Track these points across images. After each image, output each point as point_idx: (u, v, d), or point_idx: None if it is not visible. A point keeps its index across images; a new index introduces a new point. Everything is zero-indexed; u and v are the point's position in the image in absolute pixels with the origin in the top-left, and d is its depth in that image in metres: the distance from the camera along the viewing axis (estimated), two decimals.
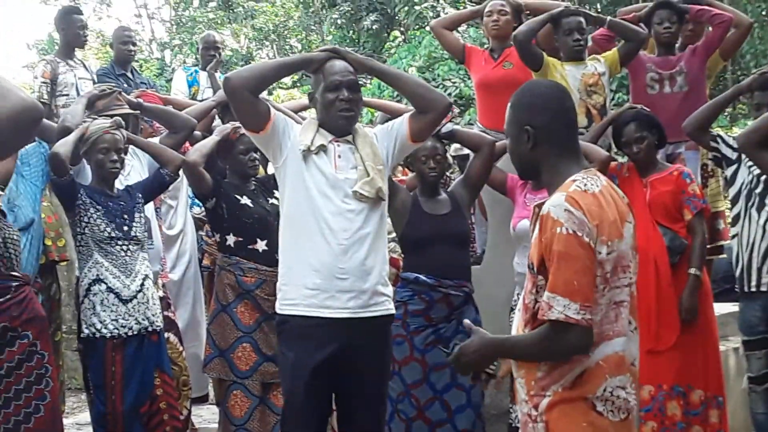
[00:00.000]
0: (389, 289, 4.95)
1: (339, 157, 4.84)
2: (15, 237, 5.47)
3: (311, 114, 5.27)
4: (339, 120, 4.86)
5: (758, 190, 5.92)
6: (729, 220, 6.77)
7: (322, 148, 4.82)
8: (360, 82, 5.10)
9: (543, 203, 3.40)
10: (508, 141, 3.63)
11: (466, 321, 3.64)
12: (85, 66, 9.20)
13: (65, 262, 7.03)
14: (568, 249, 3.19)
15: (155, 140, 6.45)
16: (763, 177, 5.83)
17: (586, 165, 3.51)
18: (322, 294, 4.74)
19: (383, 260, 4.88)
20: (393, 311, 5.00)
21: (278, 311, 4.93)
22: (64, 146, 5.61)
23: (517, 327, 3.52)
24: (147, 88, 8.54)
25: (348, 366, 4.81)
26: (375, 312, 4.82)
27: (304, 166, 4.82)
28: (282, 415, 5.16)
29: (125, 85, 8.68)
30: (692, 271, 6.09)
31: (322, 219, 4.74)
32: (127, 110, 6.31)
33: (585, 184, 3.32)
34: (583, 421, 3.29)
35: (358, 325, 4.76)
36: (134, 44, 9.64)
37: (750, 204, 5.96)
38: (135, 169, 6.40)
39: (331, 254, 4.72)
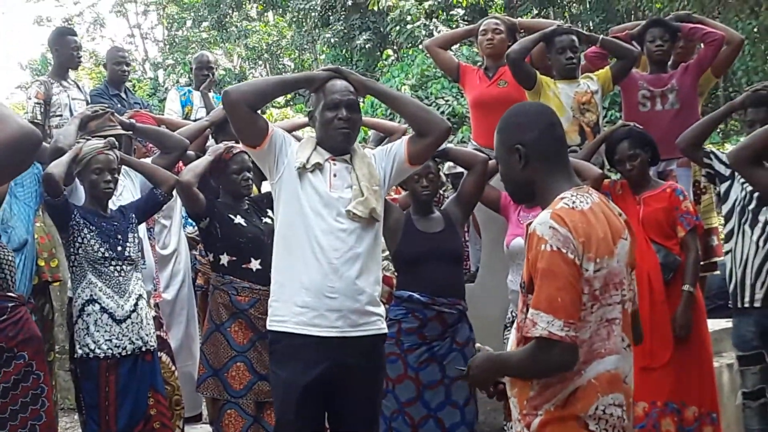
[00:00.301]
0: (381, 309, 4.94)
1: (335, 176, 4.84)
2: (10, 258, 5.47)
3: (308, 132, 5.27)
4: (337, 138, 4.87)
5: (751, 207, 5.93)
6: (722, 236, 6.77)
7: (318, 167, 4.82)
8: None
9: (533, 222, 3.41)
10: (500, 168, 3.64)
11: (478, 345, 3.65)
12: (78, 87, 9.19)
13: (58, 283, 7.02)
14: (551, 266, 3.20)
15: (148, 160, 6.44)
16: (756, 193, 5.83)
17: (578, 182, 3.51)
18: (311, 312, 4.73)
19: (376, 280, 4.87)
20: (385, 331, 4.98)
21: (268, 327, 4.93)
22: (57, 167, 5.61)
23: (511, 346, 3.53)
24: (140, 108, 8.56)
25: (339, 385, 4.80)
26: (365, 331, 4.81)
27: (299, 183, 4.83)
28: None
29: (119, 106, 8.70)
30: (686, 287, 6.10)
31: (313, 237, 4.74)
32: (119, 131, 6.31)
33: (573, 202, 3.33)
34: None
35: (347, 345, 4.75)
36: (128, 64, 9.64)
37: (743, 220, 5.97)
38: (127, 188, 6.40)
39: (321, 273, 4.72)
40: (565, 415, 3.29)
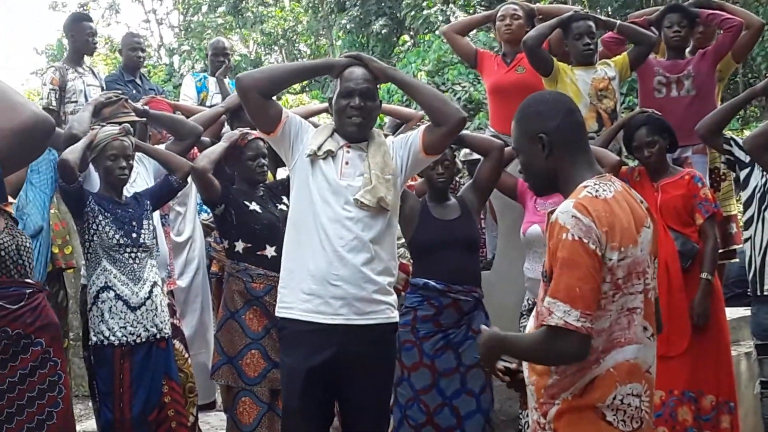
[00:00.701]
0: (392, 298, 4.91)
1: (347, 163, 4.82)
2: (28, 245, 5.46)
3: (325, 119, 5.24)
4: (348, 127, 4.87)
5: None
6: (741, 223, 6.72)
7: (330, 154, 4.82)
8: None
9: (556, 210, 3.39)
10: (521, 158, 3.58)
11: (483, 327, 3.63)
12: (93, 73, 9.19)
13: (72, 270, 7.02)
14: (572, 255, 3.17)
15: (162, 147, 6.43)
16: None
17: (599, 170, 3.48)
18: (316, 299, 4.74)
19: (386, 269, 4.85)
20: (395, 320, 4.96)
21: (276, 314, 4.96)
22: (72, 153, 5.60)
23: (528, 332, 3.51)
24: (155, 95, 8.56)
25: (346, 373, 4.80)
26: (372, 320, 4.79)
27: (311, 170, 4.83)
28: (282, 420, 5.16)
29: (134, 92, 8.71)
30: (704, 275, 6.06)
31: (320, 225, 4.75)
32: (133, 117, 6.31)
33: (597, 190, 3.30)
34: (592, 431, 3.27)
35: (353, 333, 4.75)
36: (143, 50, 9.65)
37: (763, 207, 5.92)
38: (141, 175, 6.39)
39: (326, 260, 4.72)
40: (582, 404, 3.28)
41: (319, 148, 4.81)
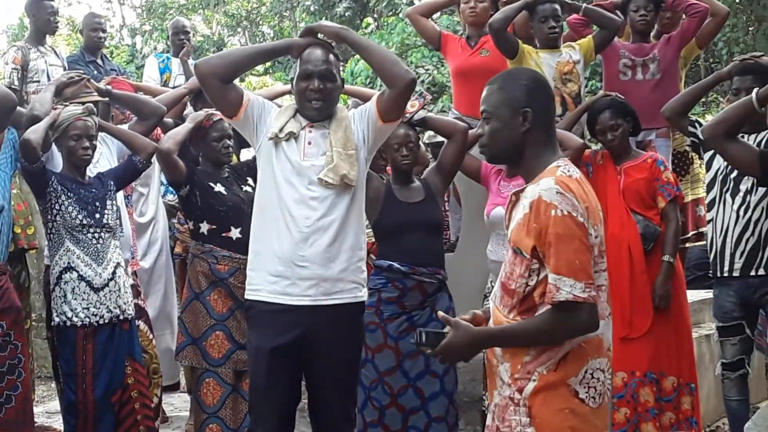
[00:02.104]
0: (360, 276, 4.91)
1: (309, 143, 4.81)
2: None
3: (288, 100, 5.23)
4: (308, 110, 4.86)
5: (733, 175, 5.92)
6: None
7: (293, 135, 4.80)
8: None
9: (521, 191, 3.43)
10: (492, 122, 3.57)
11: (441, 313, 3.62)
12: (55, 52, 9.14)
13: (35, 250, 6.99)
14: (565, 230, 3.24)
15: (125, 127, 6.40)
16: (730, 166, 5.82)
17: (561, 154, 3.55)
18: (283, 281, 4.74)
19: (353, 246, 4.84)
20: (363, 298, 4.96)
21: (245, 296, 4.95)
22: (35, 133, 5.55)
23: (494, 314, 3.52)
24: (117, 75, 8.51)
25: (313, 352, 4.81)
26: (339, 299, 4.80)
27: (274, 152, 4.82)
28: (249, 400, 5.17)
29: (95, 72, 8.66)
30: (666, 258, 6.11)
31: (285, 207, 4.74)
32: (96, 97, 6.26)
33: (569, 170, 3.39)
34: (566, 408, 3.34)
35: (320, 312, 4.75)
36: (104, 31, 9.59)
37: (725, 189, 5.97)
38: (104, 156, 6.35)
39: (292, 242, 4.72)
40: (557, 380, 3.34)
41: (280, 130, 4.80)
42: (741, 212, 5.88)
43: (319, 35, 4.97)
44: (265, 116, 4.90)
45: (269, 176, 4.83)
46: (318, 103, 4.83)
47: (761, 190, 5.78)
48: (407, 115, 5.82)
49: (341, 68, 5.03)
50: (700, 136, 6.07)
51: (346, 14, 22.78)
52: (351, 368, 5.03)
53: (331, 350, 4.82)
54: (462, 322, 3.52)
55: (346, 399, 5.01)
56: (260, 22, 29.30)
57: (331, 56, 4.90)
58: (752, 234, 5.85)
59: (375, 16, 22.33)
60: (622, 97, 6.46)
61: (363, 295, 4.95)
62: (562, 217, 3.24)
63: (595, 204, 3.36)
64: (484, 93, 3.63)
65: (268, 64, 22.42)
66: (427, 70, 17.43)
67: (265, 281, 4.79)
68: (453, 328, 3.48)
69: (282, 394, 4.86)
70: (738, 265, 5.90)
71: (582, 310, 3.24)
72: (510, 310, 3.42)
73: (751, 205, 5.84)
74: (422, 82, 17.04)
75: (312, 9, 23.90)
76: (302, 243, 4.72)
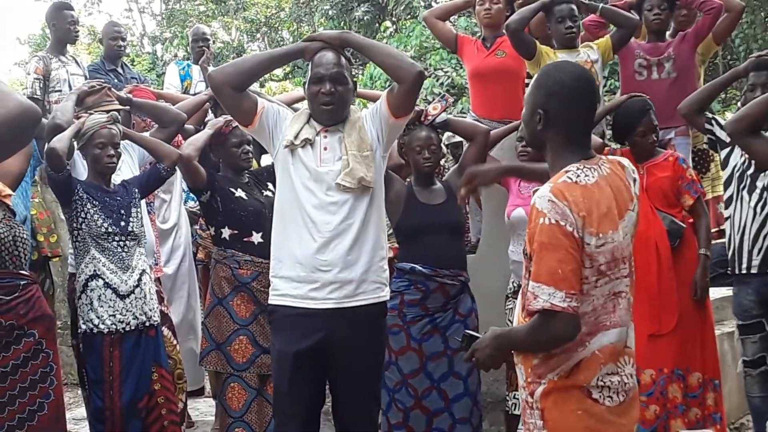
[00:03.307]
0: (383, 276, 4.93)
1: (325, 149, 4.83)
2: (24, 236, 5.48)
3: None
4: (321, 113, 4.87)
5: (750, 172, 5.93)
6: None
7: (308, 142, 4.82)
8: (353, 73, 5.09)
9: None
10: (523, 114, 3.62)
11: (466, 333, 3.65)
12: (77, 62, 9.19)
13: (58, 258, 7.04)
14: (550, 239, 3.22)
15: (147, 134, 6.44)
16: (753, 161, 5.83)
17: (591, 155, 3.49)
18: (306, 286, 4.76)
19: (374, 247, 4.85)
20: (386, 298, 4.97)
21: (269, 301, 4.97)
22: (60, 142, 5.61)
23: (516, 313, 3.55)
24: (138, 83, 8.55)
25: (337, 355, 4.82)
26: (362, 301, 4.81)
27: (291, 159, 4.84)
28: (273, 404, 5.19)
29: (115, 81, 8.71)
30: (702, 251, 6.13)
31: (305, 212, 4.76)
32: (117, 106, 6.31)
33: (577, 176, 3.34)
34: (578, 409, 3.33)
35: (344, 315, 4.77)
36: (123, 39, 9.63)
37: (742, 186, 5.97)
38: (126, 163, 6.39)
39: (313, 247, 4.74)
40: (569, 384, 3.33)
41: (295, 137, 4.81)
42: (758, 209, 5.88)
43: None
44: (281, 123, 4.92)
45: (287, 183, 4.85)
46: (330, 105, 4.84)
47: None
48: (429, 117, 5.85)
49: (357, 73, 5.05)
50: (717, 134, 6.08)
51: (365, 18, 22.78)
52: (374, 370, 5.05)
53: (354, 352, 4.83)
54: (493, 326, 3.56)
55: (370, 401, 5.03)
56: (279, 28, 29.34)
57: (343, 59, 4.91)
58: None
59: (393, 19, 22.32)
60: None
61: (386, 294, 4.97)
62: (549, 226, 3.22)
63: (607, 210, 3.31)
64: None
65: (287, 69, 22.46)
66: (446, 72, 17.42)
67: (289, 286, 4.81)
68: (488, 331, 3.54)
69: (306, 397, 4.88)
70: (756, 262, 5.90)
71: (559, 319, 3.21)
72: (523, 310, 3.44)
73: None
74: (441, 84, 17.05)
75: (330, 14, 23.89)
76: (324, 248, 4.74)
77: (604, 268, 3.30)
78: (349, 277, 4.76)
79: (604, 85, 7.61)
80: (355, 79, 5.11)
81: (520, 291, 3.54)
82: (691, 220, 6.37)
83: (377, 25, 22.57)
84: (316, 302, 4.75)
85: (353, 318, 4.79)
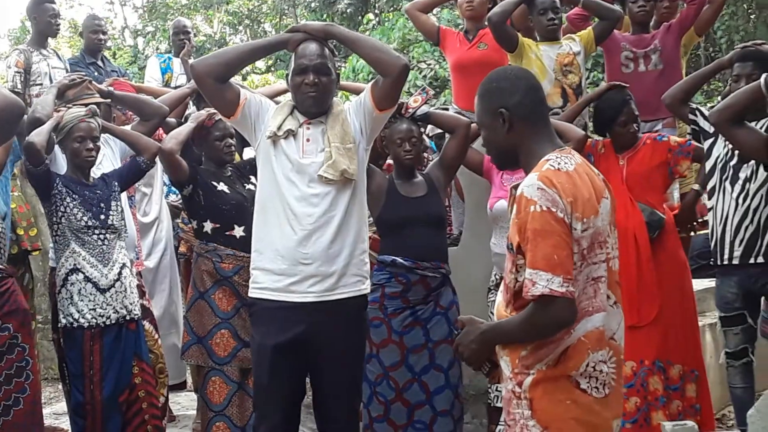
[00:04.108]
0: (365, 268, 4.94)
1: (308, 140, 4.83)
2: (2, 230, 5.45)
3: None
4: (305, 103, 4.86)
5: (732, 163, 5.94)
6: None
7: (291, 133, 4.82)
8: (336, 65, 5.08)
9: (519, 184, 3.43)
10: (483, 132, 3.63)
11: (461, 317, 3.64)
12: (57, 55, 9.16)
13: (38, 252, 7.02)
14: (543, 225, 3.23)
15: (127, 128, 6.42)
16: (737, 150, 5.84)
17: (560, 144, 3.53)
18: (287, 279, 4.76)
19: (355, 240, 4.85)
20: (366, 291, 4.98)
21: (249, 294, 4.97)
22: (39, 135, 5.57)
23: (498, 307, 3.54)
24: (118, 76, 8.53)
25: (318, 348, 4.83)
26: (343, 294, 4.81)
27: (273, 150, 4.84)
28: (253, 397, 5.19)
29: (96, 74, 8.67)
30: (695, 186, 6.27)
31: (287, 204, 4.75)
32: (98, 99, 6.29)
33: (558, 163, 3.36)
34: (567, 399, 3.33)
35: (325, 308, 4.77)
36: (104, 33, 9.59)
37: (724, 177, 5.98)
38: (107, 157, 6.38)
39: (295, 239, 4.74)
40: (557, 374, 3.33)
41: (278, 128, 4.81)
42: (740, 200, 5.89)
43: None
44: (263, 114, 4.91)
45: (269, 174, 4.84)
46: (314, 95, 4.83)
47: (760, 177, 5.80)
48: (410, 110, 5.85)
49: (340, 65, 5.04)
50: (700, 124, 6.10)
51: (348, 11, 22.74)
52: (355, 363, 5.05)
53: (335, 345, 4.83)
54: (475, 319, 3.56)
55: (351, 394, 5.03)
56: (262, 20, 29.27)
57: (326, 50, 4.91)
58: (751, 222, 5.85)
59: (376, 12, 22.29)
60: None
61: (366, 288, 4.97)
62: (540, 213, 3.23)
63: (588, 195, 3.33)
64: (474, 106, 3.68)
65: (270, 61, 22.42)
66: (429, 65, 17.39)
67: (269, 279, 4.80)
68: (467, 323, 3.53)
69: (286, 390, 4.88)
70: (737, 252, 5.91)
71: (559, 305, 3.22)
72: (507, 305, 3.44)
73: (750, 193, 5.85)
74: (424, 77, 17.02)
75: (313, 6, 23.86)
76: (305, 240, 4.73)
77: (585, 253, 3.32)
78: (330, 270, 4.76)
79: (587, 77, 7.61)
80: (338, 71, 5.11)
81: (502, 285, 3.54)
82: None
83: (360, 17, 22.53)
84: (297, 295, 4.75)
85: (334, 311, 4.79)
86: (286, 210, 4.76)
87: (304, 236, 4.73)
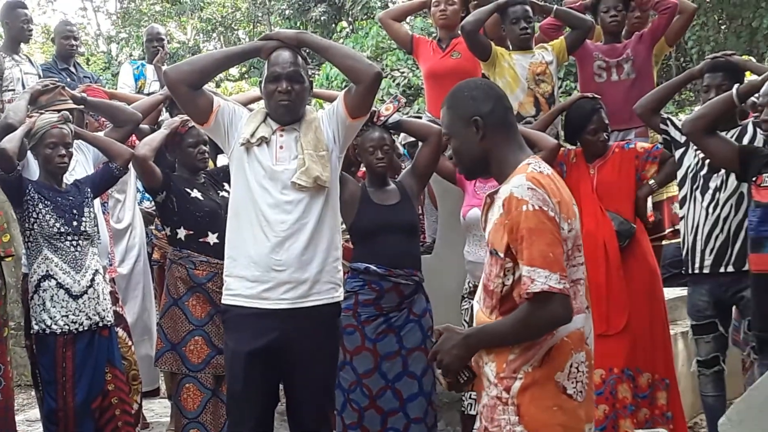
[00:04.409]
0: (336, 276, 4.96)
1: (281, 148, 4.84)
2: None
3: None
4: (278, 111, 4.87)
5: (703, 173, 5.98)
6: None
7: (264, 140, 4.84)
8: (310, 73, 5.10)
9: (495, 192, 3.47)
10: (453, 142, 3.65)
11: (436, 328, 3.64)
12: (30, 61, 9.12)
13: (11, 258, 6.98)
14: (537, 224, 3.27)
15: (100, 134, 6.41)
16: (708, 160, 5.89)
17: (530, 152, 3.59)
18: (260, 285, 4.77)
19: (329, 247, 4.87)
20: (339, 299, 5.00)
21: (222, 301, 4.98)
22: (10, 142, 5.57)
23: (478, 315, 3.56)
24: (91, 83, 8.50)
25: (291, 356, 4.84)
26: (316, 302, 4.83)
27: (246, 157, 4.85)
28: (226, 404, 5.20)
29: (68, 80, 8.64)
30: (651, 182, 6.27)
31: (260, 211, 4.77)
32: (70, 105, 6.27)
33: (540, 167, 3.42)
34: (554, 405, 3.37)
35: (297, 315, 4.79)
36: (76, 38, 9.56)
37: (695, 186, 6.02)
38: (80, 163, 6.37)
39: (268, 246, 4.75)
40: (543, 376, 3.36)
41: (252, 136, 4.82)
42: (710, 209, 5.93)
43: None
44: (236, 121, 4.92)
45: (242, 182, 4.85)
46: (287, 102, 4.85)
47: (730, 187, 5.85)
48: (382, 118, 5.86)
49: (313, 73, 5.06)
50: (672, 134, 6.14)
51: (322, 18, 22.81)
52: (328, 370, 5.07)
53: (308, 352, 4.85)
54: (451, 326, 3.57)
55: (324, 401, 5.06)
56: (235, 27, 29.27)
57: (299, 58, 4.92)
58: (721, 231, 5.89)
59: (350, 20, 22.35)
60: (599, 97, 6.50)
61: (339, 295, 4.99)
62: (533, 212, 3.26)
63: (568, 199, 3.39)
64: (441, 116, 3.69)
65: (243, 69, 22.41)
66: (403, 73, 17.46)
67: (242, 286, 4.81)
68: (445, 331, 3.54)
69: (260, 397, 4.90)
70: (708, 261, 5.95)
71: (557, 302, 3.25)
72: (491, 311, 3.45)
73: (720, 202, 5.89)
74: (398, 85, 17.09)
75: (287, 13, 23.89)
76: (278, 247, 4.75)
77: (570, 254, 3.37)
78: (303, 277, 4.77)
79: (560, 87, 7.64)
80: (311, 79, 5.12)
81: (479, 292, 3.56)
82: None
83: (334, 25, 22.58)
84: (270, 302, 4.76)
85: (307, 318, 4.80)
86: (259, 217, 4.77)
87: (277, 243, 4.74)
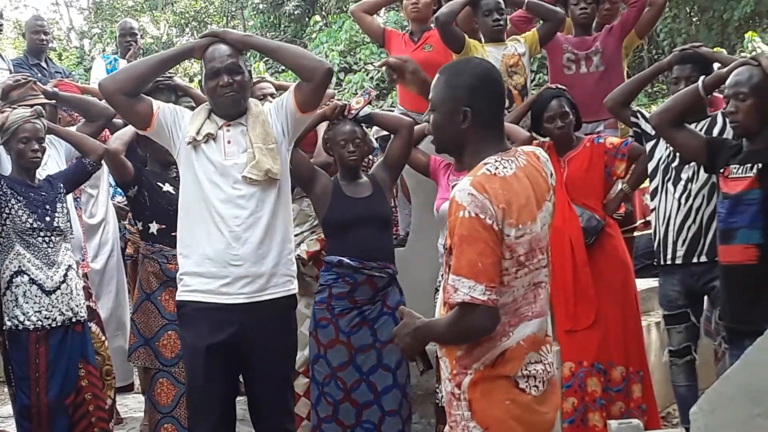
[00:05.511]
0: (293, 268, 5.02)
1: (229, 142, 4.88)
2: None
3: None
4: (224, 105, 4.90)
5: (674, 164, 6.00)
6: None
7: (211, 136, 4.86)
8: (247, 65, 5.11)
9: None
10: (435, 115, 3.58)
11: (401, 308, 3.67)
12: (1, 56, 9.10)
13: None
14: (470, 232, 3.23)
15: (73, 129, 6.39)
16: (678, 152, 5.91)
17: (507, 147, 3.52)
18: (217, 281, 4.81)
19: (283, 240, 4.93)
20: (295, 291, 5.06)
21: (178, 297, 4.99)
22: None
23: (438, 306, 3.57)
24: (62, 78, 8.48)
25: (249, 349, 4.89)
26: (273, 295, 4.89)
27: (194, 155, 4.88)
28: (186, 398, 5.23)
29: (39, 75, 8.61)
30: (624, 187, 6.34)
31: (213, 207, 4.80)
32: (42, 100, 6.26)
33: (496, 168, 3.35)
34: (506, 399, 3.35)
35: (255, 309, 4.83)
36: (46, 33, 9.55)
37: (666, 178, 6.04)
38: (52, 158, 6.35)
39: (223, 242, 4.79)
40: (495, 375, 3.35)
41: (197, 133, 4.85)
42: (682, 200, 5.95)
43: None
44: (179, 121, 4.95)
45: (192, 179, 4.88)
46: (231, 95, 4.88)
47: (702, 178, 5.86)
48: (353, 111, 5.87)
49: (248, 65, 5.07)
50: (642, 126, 6.16)
51: (295, 12, 22.76)
52: (287, 361, 5.14)
53: (266, 345, 4.90)
54: (414, 313, 3.57)
55: (285, 393, 5.10)
56: (209, 22, 29.19)
57: (234, 50, 4.95)
58: (693, 221, 5.92)
59: (323, 13, 22.32)
60: (565, 88, 6.51)
61: (295, 287, 5.05)
62: (468, 219, 3.22)
63: (526, 201, 3.32)
64: (434, 81, 3.62)
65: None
66: (376, 66, 17.46)
67: (198, 282, 4.85)
68: (406, 316, 3.55)
69: (221, 390, 4.94)
70: (680, 252, 5.97)
71: (480, 313, 3.22)
72: (444, 305, 3.45)
73: (692, 193, 5.91)
74: (371, 78, 17.08)
75: (261, 8, 23.84)
76: (234, 242, 4.79)
77: (523, 259, 3.32)
78: (260, 271, 4.83)
79: (533, 80, 7.67)
80: (249, 69, 5.13)
81: (441, 284, 3.57)
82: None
83: (307, 19, 22.56)
84: (228, 297, 4.82)
85: (264, 312, 4.86)
86: (212, 213, 4.80)
87: (232, 238, 4.79)
